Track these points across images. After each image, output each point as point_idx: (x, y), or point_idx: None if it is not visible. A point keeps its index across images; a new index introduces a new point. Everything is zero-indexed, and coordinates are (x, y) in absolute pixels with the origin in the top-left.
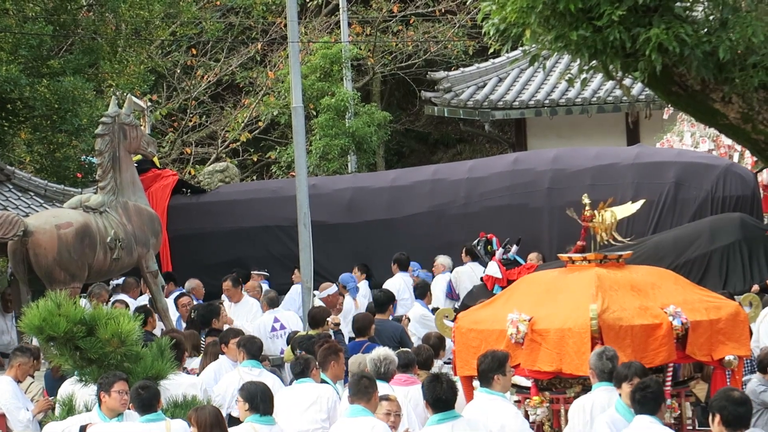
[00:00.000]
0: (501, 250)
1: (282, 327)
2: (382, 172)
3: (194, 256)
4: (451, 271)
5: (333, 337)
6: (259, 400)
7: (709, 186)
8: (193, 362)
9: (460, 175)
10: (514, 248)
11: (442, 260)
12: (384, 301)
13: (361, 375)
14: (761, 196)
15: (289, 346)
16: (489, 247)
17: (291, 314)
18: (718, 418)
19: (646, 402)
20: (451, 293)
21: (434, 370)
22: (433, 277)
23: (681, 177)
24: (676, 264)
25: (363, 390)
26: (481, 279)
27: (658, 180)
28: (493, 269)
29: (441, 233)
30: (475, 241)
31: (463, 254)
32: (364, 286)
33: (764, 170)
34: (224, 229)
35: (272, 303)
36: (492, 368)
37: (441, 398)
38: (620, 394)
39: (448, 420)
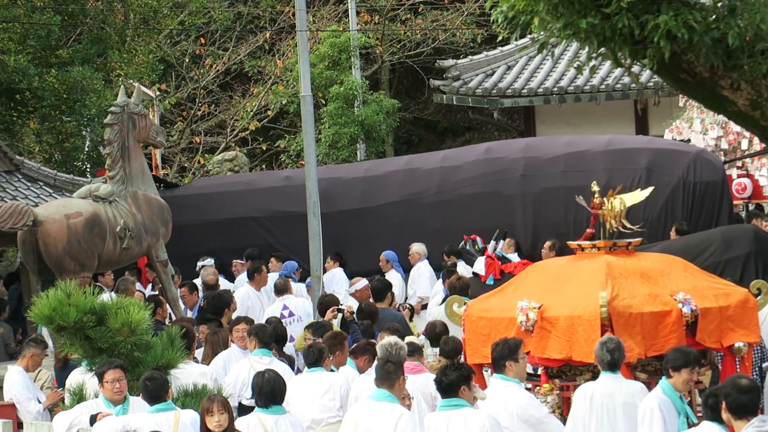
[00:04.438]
0: (493, 243)
1: (291, 314)
2: (356, 163)
3: (170, 249)
4: (428, 258)
5: (348, 327)
6: (258, 394)
7: (680, 172)
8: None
9: (433, 164)
10: (501, 244)
11: (417, 248)
12: (382, 290)
13: (386, 360)
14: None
15: (300, 333)
16: (476, 246)
17: (300, 301)
18: (724, 405)
19: (719, 410)
20: None
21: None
22: (411, 266)
23: (653, 163)
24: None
25: (386, 375)
26: (474, 273)
27: (631, 166)
28: (479, 266)
29: (415, 222)
30: (462, 244)
31: (446, 258)
32: (339, 273)
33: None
34: (199, 222)
35: (280, 290)
36: (504, 355)
37: (441, 382)
38: (667, 377)
39: (448, 408)
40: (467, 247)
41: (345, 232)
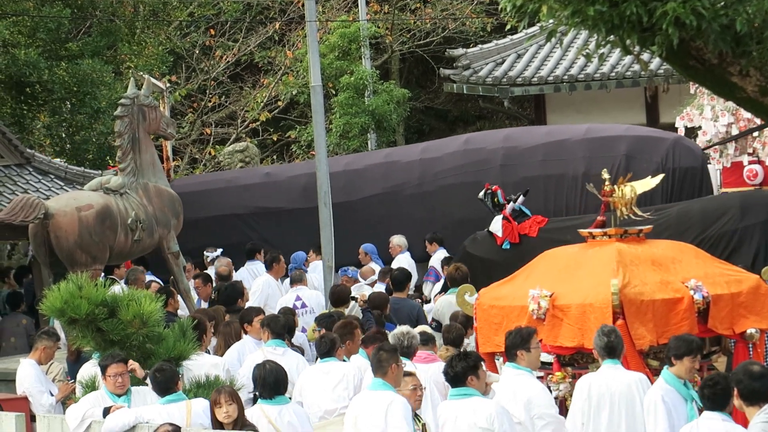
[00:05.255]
0: (511, 205)
1: (303, 305)
2: (336, 157)
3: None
4: (408, 250)
5: (362, 315)
6: (261, 385)
7: (659, 158)
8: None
9: (413, 156)
10: (521, 199)
11: (398, 240)
12: (402, 280)
13: (379, 348)
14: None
15: (312, 325)
16: (495, 199)
17: (314, 293)
18: (736, 391)
19: (716, 398)
20: (437, 276)
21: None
22: (392, 258)
23: (631, 150)
24: (702, 237)
25: (378, 363)
26: (489, 232)
27: (610, 153)
28: (495, 227)
29: (397, 214)
30: (481, 193)
31: (429, 244)
32: (319, 265)
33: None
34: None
35: (294, 281)
36: (516, 344)
37: (448, 373)
38: (669, 365)
39: (457, 397)
40: (486, 200)
41: None
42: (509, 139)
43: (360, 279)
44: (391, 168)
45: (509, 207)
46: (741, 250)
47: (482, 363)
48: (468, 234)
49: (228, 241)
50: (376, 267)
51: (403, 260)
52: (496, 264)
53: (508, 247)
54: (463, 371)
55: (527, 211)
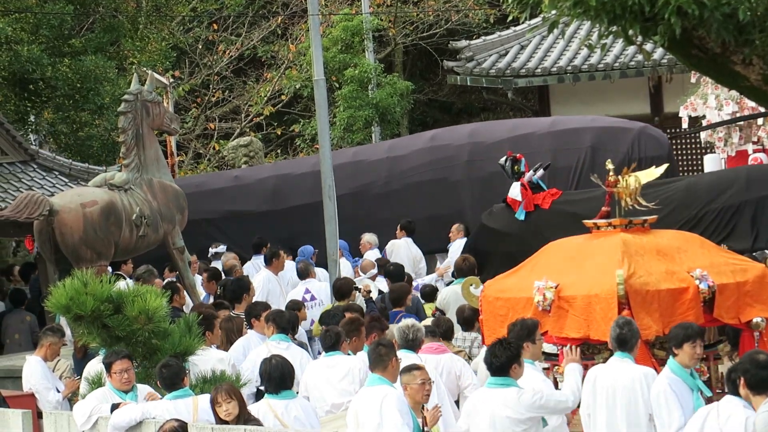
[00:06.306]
0: (531, 172)
1: (312, 298)
2: (303, 158)
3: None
4: (378, 248)
5: (366, 306)
6: (267, 380)
7: (625, 148)
8: None
9: (380, 155)
10: (540, 172)
11: (369, 238)
12: (398, 274)
13: (378, 343)
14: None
15: (318, 319)
16: (516, 167)
17: (322, 285)
18: (742, 380)
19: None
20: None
21: (467, 342)
22: (362, 255)
23: (597, 141)
24: (706, 210)
25: (378, 358)
26: (504, 200)
27: (575, 145)
28: (514, 192)
29: (365, 212)
30: (503, 159)
31: (398, 230)
32: (292, 267)
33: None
34: None
35: (303, 274)
36: (521, 337)
37: (492, 363)
38: (673, 355)
39: (496, 386)
40: (506, 166)
41: (297, 227)
42: (475, 135)
43: (360, 273)
44: (359, 167)
45: (528, 175)
46: (743, 222)
47: (522, 350)
48: (436, 230)
49: (199, 245)
50: (348, 264)
51: (373, 257)
52: (511, 236)
53: (523, 217)
54: (508, 360)
55: (544, 186)
